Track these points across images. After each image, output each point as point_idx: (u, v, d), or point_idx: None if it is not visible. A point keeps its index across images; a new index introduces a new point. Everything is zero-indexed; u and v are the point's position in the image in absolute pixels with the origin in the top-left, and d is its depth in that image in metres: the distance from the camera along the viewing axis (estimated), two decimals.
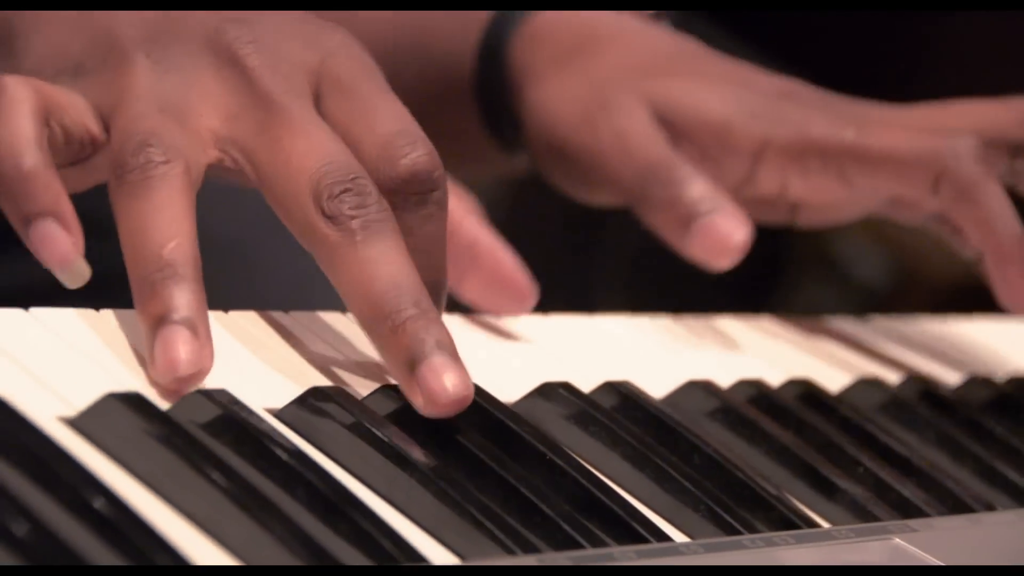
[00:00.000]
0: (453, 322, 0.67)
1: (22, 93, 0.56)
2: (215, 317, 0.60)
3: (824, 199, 0.76)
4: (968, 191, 0.72)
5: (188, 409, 0.54)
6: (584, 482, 0.58)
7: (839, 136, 0.73)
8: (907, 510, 0.65)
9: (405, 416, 0.58)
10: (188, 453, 0.51)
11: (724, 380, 0.70)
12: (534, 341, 0.69)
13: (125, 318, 0.58)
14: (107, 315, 0.58)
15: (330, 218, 0.56)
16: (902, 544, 0.60)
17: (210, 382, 0.55)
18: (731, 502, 0.60)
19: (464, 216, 0.66)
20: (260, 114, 0.58)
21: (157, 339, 0.53)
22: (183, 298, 0.54)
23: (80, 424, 0.52)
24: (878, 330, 0.81)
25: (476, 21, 0.81)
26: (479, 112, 0.82)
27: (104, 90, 0.58)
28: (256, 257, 1.01)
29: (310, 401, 0.57)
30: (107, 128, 0.58)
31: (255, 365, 0.59)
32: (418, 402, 0.55)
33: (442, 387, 0.54)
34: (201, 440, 0.52)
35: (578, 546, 0.54)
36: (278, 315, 0.62)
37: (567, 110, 0.77)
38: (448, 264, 0.61)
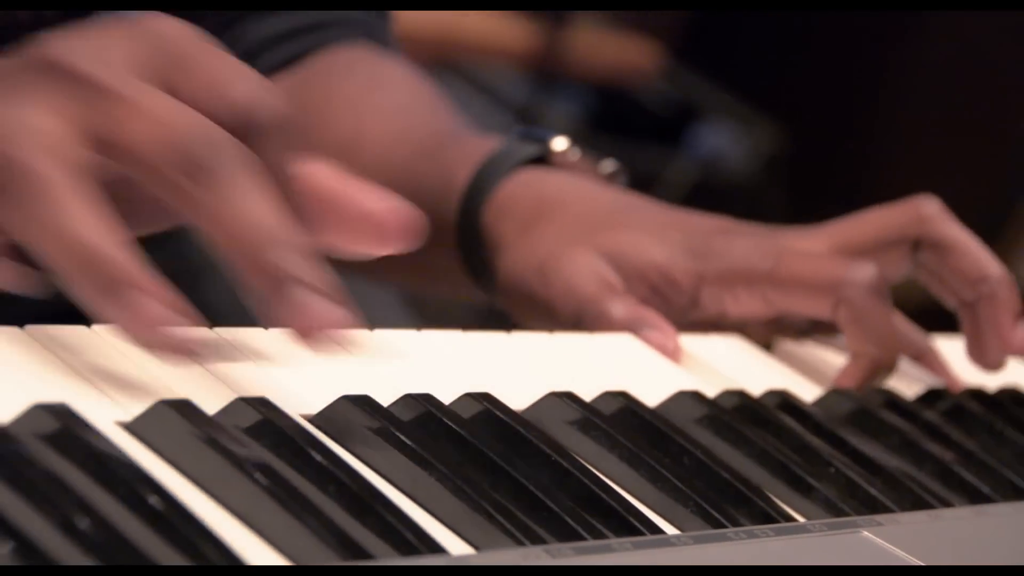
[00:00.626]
0: (474, 338, 0.67)
1: None
2: (258, 334, 0.60)
3: (756, 318, 0.78)
4: (860, 318, 0.74)
5: (232, 415, 0.53)
6: (586, 481, 0.57)
7: (759, 266, 0.75)
8: (874, 506, 0.64)
9: (426, 421, 0.57)
10: (232, 454, 0.50)
11: (711, 390, 0.69)
12: (542, 355, 0.68)
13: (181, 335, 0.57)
14: None
15: (190, 174, 0.52)
16: (869, 536, 0.60)
17: (251, 391, 0.55)
18: (717, 499, 0.60)
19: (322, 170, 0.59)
20: (103, 104, 0.53)
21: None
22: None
23: (135, 428, 0.52)
24: (846, 346, 0.80)
25: (454, 186, 0.83)
26: (463, 264, 0.84)
27: None
28: None
29: (341, 408, 0.56)
30: None
31: (291, 376, 0.58)
32: (296, 325, 0.52)
33: (313, 312, 0.52)
34: (244, 442, 0.52)
35: (581, 538, 0.54)
36: None
37: (528, 270, 0.79)
38: (319, 217, 0.58)
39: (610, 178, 0.84)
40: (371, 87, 0.91)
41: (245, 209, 0.52)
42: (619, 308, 0.75)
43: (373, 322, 0.73)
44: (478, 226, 0.81)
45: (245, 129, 0.53)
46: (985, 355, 0.78)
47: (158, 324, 0.51)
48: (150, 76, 0.54)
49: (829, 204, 0.91)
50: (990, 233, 2.39)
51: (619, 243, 0.77)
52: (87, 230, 0.51)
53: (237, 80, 0.54)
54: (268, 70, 0.91)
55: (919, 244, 0.78)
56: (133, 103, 0.52)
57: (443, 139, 0.87)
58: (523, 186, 0.81)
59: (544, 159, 0.82)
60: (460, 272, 0.84)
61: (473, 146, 0.84)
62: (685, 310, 0.77)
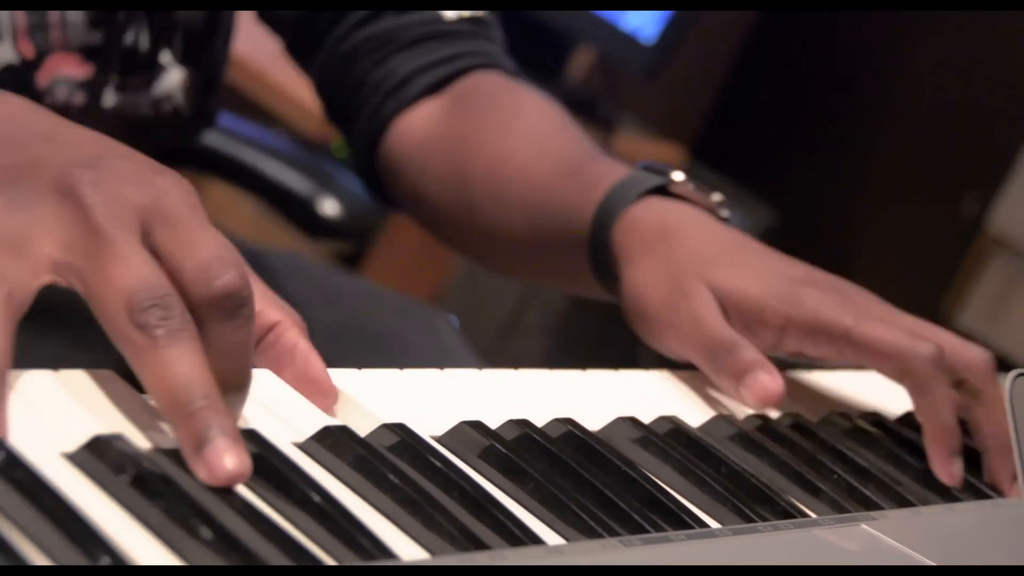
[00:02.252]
0: (558, 375, 0.66)
1: None
2: (394, 374, 0.59)
3: (830, 362, 0.73)
4: (922, 388, 0.69)
5: (378, 437, 0.53)
6: (648, 487, 0.56)
7: (840, 322, 0.69)
8: (868, 505, 0.63)
9: (525, 440, 0.57)
10: (379, 467, 0.50)
11: (740, 414, 0.68)
12: (609, 388, 0.67)
13: (336, 376, 0.57)
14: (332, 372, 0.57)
15: (139, 327, 0.47)
16: (867, 528, 0.58)
17: (392, 418, 0.54)
18: (748, 500, 0.59)
19: (291, 328, 0.55)
20: (90, 243, 0.48)
21: None
22: None
23: (306, 447, 0.51)
24: (840, 378, 0.79)
25: (589, 204, 0.78)
26: (592, 270, 0.79)
27: None
28: (397, 343, 0.98)
29: (460, 430, 0.56)
30: None
31: (421, 406, 0.58)
32: (202, 475, 0.46)
33: (221, 465, 0.46)
34: (387, 458, 0.51)
35: (646, 531, 0.53)
36: (440, 372, 0.61)
37: (653, 292, 0.73)
38: (270, 360, 0.55)
39: (718, 206, 0.78)
40: (515, 114, 0.87)
41: (173, 369, 0.47)
42: (751, 353, 0.69)
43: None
44: (608, 240, 0.76)
45: (200, 293, 0.48)
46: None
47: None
48: (141, 222, 0.49)
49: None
50: (939, 288, 2.37)
51: (726, 281, 0.72)
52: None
53: (205, 249, 0.49)
54: (419, 94, 0.89)
55: (960, 383, 0.71)
56: (118, 253, 0.48)
57: (579, 161, 0.82)
58: (648, 210, 0.76)
59: (665, 188, 0.77)
60: (588, 275, 0.79)
61: (605, 169, 0.80)
62: (771, 347, 0.72)
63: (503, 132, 0.86)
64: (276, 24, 0.92)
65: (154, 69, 0.83)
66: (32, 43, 0.76)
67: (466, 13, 0.91)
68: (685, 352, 0.71)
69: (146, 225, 0.49)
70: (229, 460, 0.46)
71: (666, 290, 0.72)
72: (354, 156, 0.93)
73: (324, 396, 0.55)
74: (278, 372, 0.55)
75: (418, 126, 0.89)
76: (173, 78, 0.84)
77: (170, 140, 0.87)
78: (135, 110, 0.82)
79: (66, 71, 0.78)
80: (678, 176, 0.77)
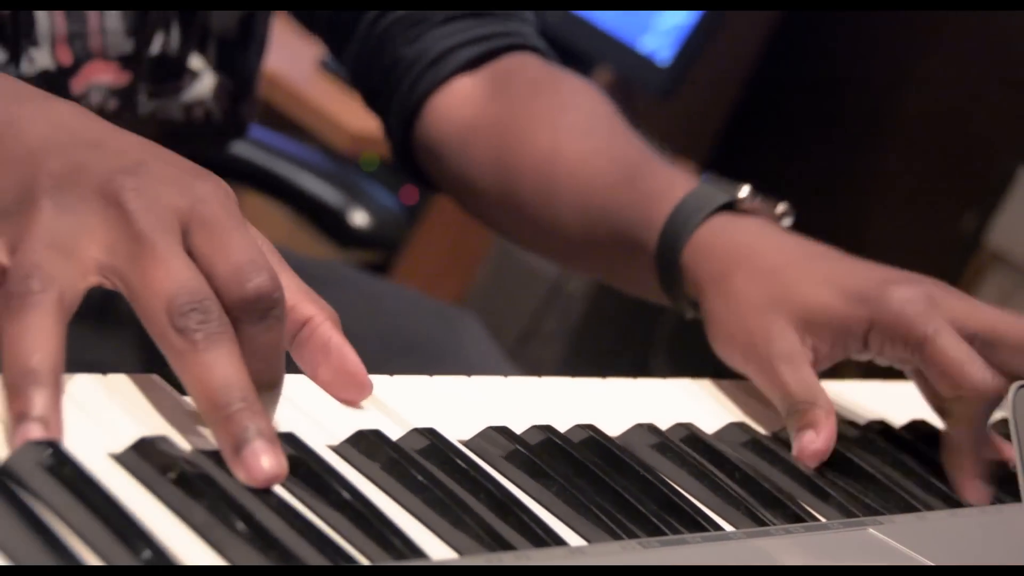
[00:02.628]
0: (579, 382, 0.66)
1: None
2: (423, 380, 0.59)
3: (900, 366, 0.70)
4: (968, 421, 0.67)
5: (409, 441, 0.53)
6: (665, 490, 0.56)
7: (921, 330, 0.66)
8: (875, 509, 0.63)
9: (548, 445, 0.56)
10: (410, 469, 0.50)
11: (752, 422, 0.68)
12: (628, 395, 0.67)
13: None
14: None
15: (179, 330, 0.46)
16: (874, 532, 0.58)
17: (422, 422, 0.54)
18: (760, 504, 0.59)
19: (324, 322, 0.54)
20: (133, 247, 0.47)
21: (16, 431, 0.44)
22: (40, 400, 0.44)
23: (341, 450, 0.51)
24: (847, 388, 0.79)
25: (653, 221, 0.74)
26: (661, 287, 0.76)
27: (14, 228, 0.48)
28: (433, 347, 0.98)
29: (487, 435, 0.56)
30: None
31: (450, 412, 0.58)
32: (241, 476, 0.45)
33: (259, 466, 0.45)
34: (418, 461, 0.51)
35: (663, 534, 0.53)
36: (467, 378, 0.61)
37: (733, 329, 0.69)
38: (306, 355, 0.53)
39: (783, 214, 0.74)
40: (562, 106, 0.82)
41: (212, 371, 0.46)
42: (815, 412, 0.66)
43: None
44: (677, 262, 0.72)
45: (233, 295, 0.48)
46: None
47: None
48: (181, 225, 0.49)
49: None
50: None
51: (805, 302, 0.68)
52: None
53: (238, 252, 0.48)
54: (453, 71, 0.85)
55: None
56: (159, 256, 0.47)
57: (635, 165, 0.77)
58: (717, 232, 0.71)
59: (731, 204, 0.73)
60: (647, 280, 0.75)
61: (665, 181, 0.75)
62: (859, 353, 0.69)
63: (551, 127, 0.81)
64: (311, 23, 0.90)
65: (183, 73, 0.82)
66: (71, 51, 0.75)
67: None
68: (761, 387, 0.69)
69: (185, 228, 0.49)
70: (266, 461, 0.45)
71: (746, 328, 0.69)
72: (390, 139, 0.89)
73: (360, 389, 0.54)
74: (314, 367, 0.54)
75: (457, 109, 0.85)
76: (205, 84, 0.83)
77: (202, 148, 0.85)
78: (167, 115, 0.81)
79: (102, 78, 0.77)
80: (743, 192, 0.73)
